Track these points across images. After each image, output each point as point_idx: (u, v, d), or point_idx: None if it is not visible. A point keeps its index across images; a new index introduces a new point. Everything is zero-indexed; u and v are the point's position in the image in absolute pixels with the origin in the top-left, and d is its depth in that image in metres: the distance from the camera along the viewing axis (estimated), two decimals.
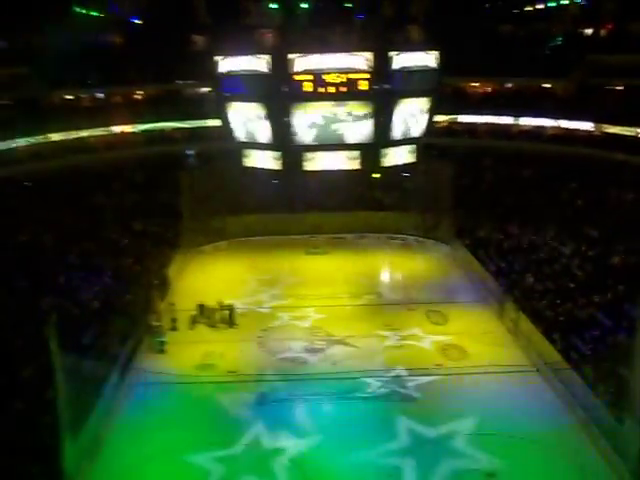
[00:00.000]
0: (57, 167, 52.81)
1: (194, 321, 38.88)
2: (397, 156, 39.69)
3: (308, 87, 35.98)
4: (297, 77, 35.81)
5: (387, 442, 27.43)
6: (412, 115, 38.52)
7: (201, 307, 39.28)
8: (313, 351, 35.72)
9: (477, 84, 65.28)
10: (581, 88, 57.82)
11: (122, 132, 60.51)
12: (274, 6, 49.40)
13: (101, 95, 63.11)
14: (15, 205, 47.23)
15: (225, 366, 33.81)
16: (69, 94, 61.27)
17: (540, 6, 70.36)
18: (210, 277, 47.00)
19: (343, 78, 35.96)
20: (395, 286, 47.25)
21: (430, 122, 40.01)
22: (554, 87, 61.15)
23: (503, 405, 29.62)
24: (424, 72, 37.57)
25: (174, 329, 37.95)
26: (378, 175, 40.66)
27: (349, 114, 36.75)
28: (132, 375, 32.27)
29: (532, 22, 68.47)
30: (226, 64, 37.66)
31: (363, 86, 36.14)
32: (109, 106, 62.30)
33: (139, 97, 64.35)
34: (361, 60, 35.94)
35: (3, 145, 51.47)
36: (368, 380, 32.20)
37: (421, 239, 53.40)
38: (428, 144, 42.62)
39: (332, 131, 37.12)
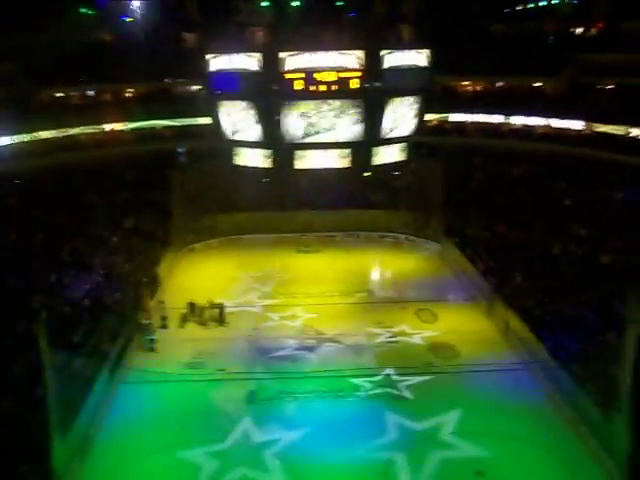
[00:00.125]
0: (47, 165, 52.63)
1: (184, 319, 38.90)
2: (388, 154, 39.69)
3: (299, 85, 35.94)
4: (288, 75, 35.79)
5: (377, 438, 27.60)
6: (403, 114, 38.51)
7: (191, 305, 39.27)
8: (303, 349, 35.76)
9: (468, 83, 65.39)
10: (572, 87, 58.02)
11: (112, 130, 60.40)
12: (265, 4, 49.39)
13: (91, 93, 62.98)
14: (5, 203, 47.09)
15: (215, 364, 33.81)
16: (59, 92, 61.13)
17: (531, 5, 70.57)
18: (200, 275, 46.98)
19: (334, 77, 35.95)
20: (385, 284, 47.31)
21: (421, 121, 40.01)
22: (545, 86, 61.36)
23: (492, 403, 29.73)
24: (415, 71, 37.56)
25: (164, 327, 37.96)
26: (369, 173, 40.61)
27: (339, 112, 36.74)
28: (122, 373, 32.25)
29: (523, 21, 68.69)
30: (217, 62, 37.59)
31: (354, 85, 36.12)
32: (99, 104, 62.21)
33: (129, 95, 64.26)
34: (352, 58, 35.92)
35: None
36: (358, 378, 32.24)
37: (411, 237, 53.39)
38: (419, 143, 42.62)
39: (322, 129, 37.10)
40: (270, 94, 36.42)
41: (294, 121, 36.82)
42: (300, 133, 37.19)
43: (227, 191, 52.72)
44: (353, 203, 54.60)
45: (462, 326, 37.85)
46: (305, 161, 38.42)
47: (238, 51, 36.94)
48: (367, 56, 35.96)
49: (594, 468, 25.05)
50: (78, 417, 26.25)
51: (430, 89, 40.62)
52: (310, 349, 35.73)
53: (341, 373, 32.66)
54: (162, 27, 63.48)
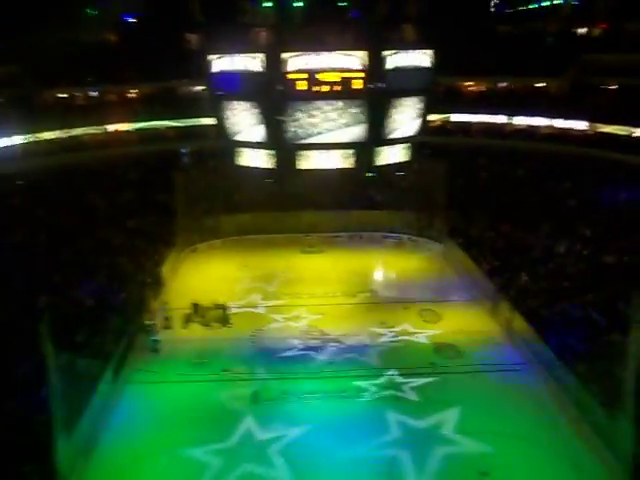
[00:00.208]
0: (50, 165, 52.77)
1: (188, 320, 38.87)
2: (391, 155, 39.71)
3: (302, 86, 35.98)
4: (291, 76, 35.81)
5: (380, 437, 27.65)
6: (406, 114, 38.51)
7: (195, 306, 39.25)
8: (307, 349, 35.70)
9: (471, 83, 65.40)
10: (575, 87, 58.05)
11: (116, 130, 60.50)
12: (268, 4, 49.34)
13: (95, 93, 63.07)
14: (8, 203, 47.17)
15: (219, 365, 33.79)
16: (63, 92, 61.23)
17: (534, 5, 70.54)
18: (204, 276, 46.97)
19: (337, 77, 35.97)
20: (389, 285, 47.29)
21: (424, 121, 40.04)
22: (548, 86, 61.40)
23: (496, 403, 29.68)
24: (418, 71, 37.58)
25: (168, 328, 37.94)
26: (372, 174, 40.61)
27: (342, 113, 36.74)
28: (126, 374, 32.24)
29: (526, 21, 68.67)
30: (220, 63, 37.63)
31: (357, 85, 36.15)
32: (103, 104, 62.41)
33: (133, 95, 64.36)
34: (355, 59, 35.95)
35: None
36: (362, 378, 32.20)
37: (414, 238, 53.36)
38: (422, 143, 42.65)
39: (325, 130, 37.11)
40: (273, 94, 36.44)
41: (297, 122, 36.82)
42: (303, 134, 37.21)
43: (230, 191, 52.84)
44: (356, 203, 54.58)
45: (466, 326, 37.79)
46: (308, 162, 38.44)
47: (241, 52, 37.00)
48: (370, 56, 35.97)
49: (598, 467, 24.98)
50: (82, 417, 26.22)
51: (433, 89, 40.65)
52: (314, 349, 35.65)
53: (345, 374, 32.71)
54: (166, 28, 63.42)
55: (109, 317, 34.75)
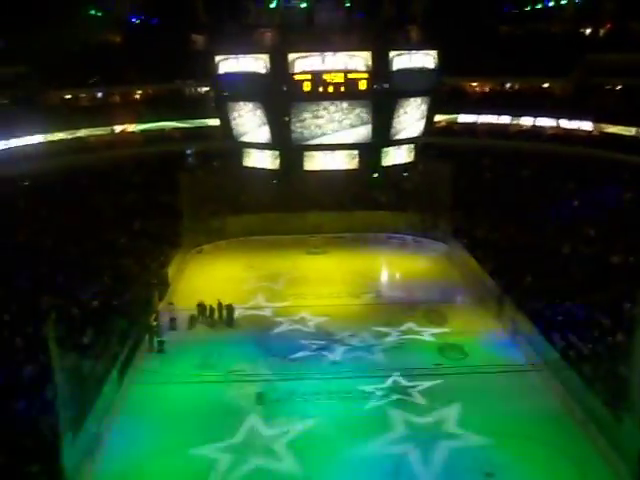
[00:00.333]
0: (55, 166, 52.84)
1: (193, 321, 38.92)
2: (396, 156, 39.68)
3: (307, 87, 36.00)
4: (296, 77, 35.82)
5: (385, 434, 27.84)
6: (411, 115, 38.50)
7: (201, 307, 39.29)
8: (313, 350, 35.71)
9: (476, 84, 65.37)
10: (580, 88, 57.96)
11: (121, 132, 60.57)
12: (273, 5, 49.35)
13: (100, 94, 63.16)
14: (13, 205, 47.28)
15: (224, 366, 33.85)
16: (68, 93, 61.32)
17: (539, 6, 70.44)
18: (209, 277, 47.03)
19: (342, 78, 35.97)
20: (394, 285, 47.34)
21: (429, 122, 40.00)
22: (553, 87, 61.35)
23: (502, 404, 29.61)
24: (423, 72, 37.55)
25: (173, 329, 38.02)
26: (377, 175, 40.60)
27: (348, 114, 36.75)
28: (131, 374, 32.30)
29: (531, 22, 68.57)
30: (225, 63, 37.66)
31: (362, 86, 36.14)
32: (108, 105, 62.47)
33: (138, 96, 64.43)
34: (360, 60, 35.96)
35: (1, 144, 51.54)
36: (368, 379, 32.23)
37: (419, 238, 53.38)
38: (427, 144, 42.61)
39: (331, 131, 37.11)
40: (278, 95, 36.46)
41: (302, 122, 36.83)
42: (308, 135, 37.22)
43: (236, 192, 52.90)
44: (361, 204, 54.60)
45: (471, 327, 37.87)
46: (314, 162, 38.44)
47: (246, 52, 37.00)
48: (375, 57, 35.97)
49: (604, 468, 24.94)
50: (88, 418, 26.27)
51: (438, 90, 40.63)
52: (320, 350, 35.68)
53: (350, 374, 32.72)
54: (171, 29, 63.51)
55: (114, 318, 34.81)
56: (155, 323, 37.04)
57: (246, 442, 27.43)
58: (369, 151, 38.27)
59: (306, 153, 38.11)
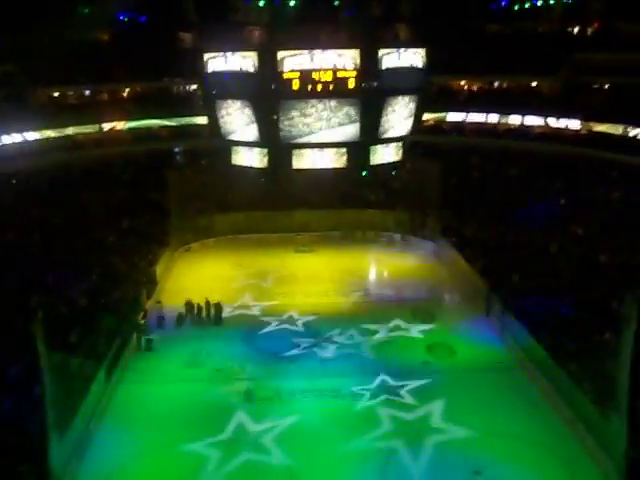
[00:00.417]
0: (43, 164, 52.65)
1: (181, 319, 38.84)
2: (384, 154, 39.82)
3: (296, 85, 36.01)
4: (285, 75, 35.82)
5: (373, 431, 27.97)
6: (399, 113, 38.55)
7: (188, 305, 39.23)
8: (300, 348, 35.72)
9: (464, 82, 65.45)
10: (568, 86, 58.13)
11: (109, 129, 60.37)
12: (262, 3, 49.31)
13: (88, 92, 62.92)
14: (1, 203, 47.06)
15: (212, 364, 33.82)
16: (56, 91, 61.09)
17: (527, 5, 70.54)
18: (197, 275, 46.97)
19: (331, 76, 35.99)
20: (382, 284, 47.43)
21: (417, 120, 40.12)
22: (541, 85, 61.50)
23: (489, 403, 29.69)
24: (412, 70, 37.65)
25: (161, 327, 37.94)
26: (365, 173, 40.64)
27: (336, 112, 36.75)
28: (119, 373, 32.20)
29: (519, 20, 68.68)
30: (213, 61, 37.62)
31: (351, 84, 36.23)
32: (96, 103, 62.20)
33: (126, 94, 64.21)
34: (348, 58, 35.98)
35: None
36: (355, 377, 32.24)
37: (408, 237, 53.39)
38: (415, 142, 42.69)
39: (319, 129, 37.12)
40: (267, 93, 36.44)
41: (291, 120, 36.83)
42: (296, 133, 37.21)
43: (224, 190, 52.79)
44: (350, 203, 54.57)
45: (459, 325, 37.95)
46: (302, 161, 38.52)
47: (234, 50, 36.98)
48: (363, 55, 36.02)
49: (592, 467, 25.02)
50: (75, 417, 26.17)
51: (426, 89, 40.70)
52: (308, 348, 35.68)
53: (339, 373, 32.72)
54: (159, 27, 63.33)
55: (102, 317, 34.68)
56: (143, 321, 36.92)
57: (234, 438, 27.46)
58: (357, 149, 38.33)
59: (294, 151, 38.16)
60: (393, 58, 36.74)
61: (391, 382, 31.72)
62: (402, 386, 31.36)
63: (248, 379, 32.20)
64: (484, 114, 61.09)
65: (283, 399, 30.51)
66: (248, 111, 37.34)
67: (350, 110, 36.68)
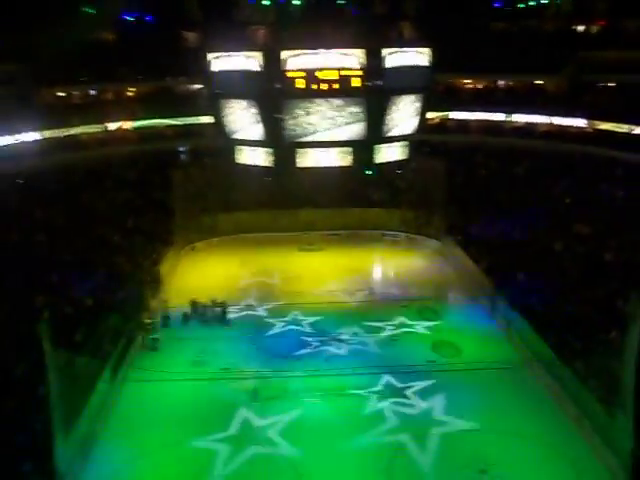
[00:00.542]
0: (48, 164, 52.68)
1: (186, 318, 38.86)
2: (389, 153, 39.70)
3: (300, 84, 35.97)
4: (289, 74, 35.78)
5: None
6: (404, 112, 38.49)
7: (194, 304, 39.26)
8: (306, 347, 35.71)
9: (469, 81, 65.34)
10: (573, 84, 58.00)
11: (114, 129, 60.38)
12: (266, 2, 49.32)
13: (93, 92, 62.95)
14: (6, 203, 47.10)
15: (217, 363, 33.83)
16: (61, 91, 61.13)
17: (532, 2, 70.43)
18: (202, 274, 47.00)
19: (336, 75, 35.94)
20: (387, 283, 47.46)
21: (422, 119, 40.02)
22: (546, 84, 61.34)
23: (495, 401, 29.71)
24: (416, 69, 37.57)
25: (166, 326, 37.96)
26: (370, 172, 40.59)
27: (341, 111, 36.72)
28: (124, 372, 32.24)
29: (524, 18, 68.57)
30: (218, 61, 37.59)
31: (356, 83, 36.15)
32: (101, 103, 62.20)
33: (131, 94, 64.22)
34: (353, 57, 35.94)
35: None
36: (361, 375, 32.26)
37: (413, 236, 53.35)
38: (420, 141, 42.60)
39: (324, 128, 37.09)
40: (271, 93, 36.41)
41: (295, 120, 36.80)
42: (301, 132, 37.19)
43: (229, 190, 52.82)
44: (355, 202, 54.54)
45: (464, 324, 37.91)
46: (307, 159, 38.45)
47: (239, 50, 36.94)
48: (368, 54, 35.96)
49: (598, 465, 24.99)
50: (81, 417, 26.19)
51: (431, 87, 40.60)
52: (313, 347, 35.70)
53: (344, 371, 32.71)
54: (163, 26, 63.38)
55: (108, 316, 34.70)
56: (148, 321, 36.97)
57: (241, 436, 27.49)
58: (362, 148, 38.27)
59: (299, 150, 38.10)
60: (398, 57, 36.67)
61: (396, 381, 31.71)
62: (407, 384, 31.37)
63: (254, 378, 32.22)
64: (489, 113, 60.95)
65: (289, 397, 30.51)
66: (253, 110, 37.31)
67: (355, 109, 36.63)
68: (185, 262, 49.48)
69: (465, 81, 65.44)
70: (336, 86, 36.03)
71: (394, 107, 37.74)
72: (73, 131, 57.89)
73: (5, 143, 52.09)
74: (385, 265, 50.75)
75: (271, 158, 38.67)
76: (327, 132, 37.36)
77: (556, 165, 53.19)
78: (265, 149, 38.64)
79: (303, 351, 35.38)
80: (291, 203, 53.29)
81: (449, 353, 34.69)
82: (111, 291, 38.12)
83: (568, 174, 51.42)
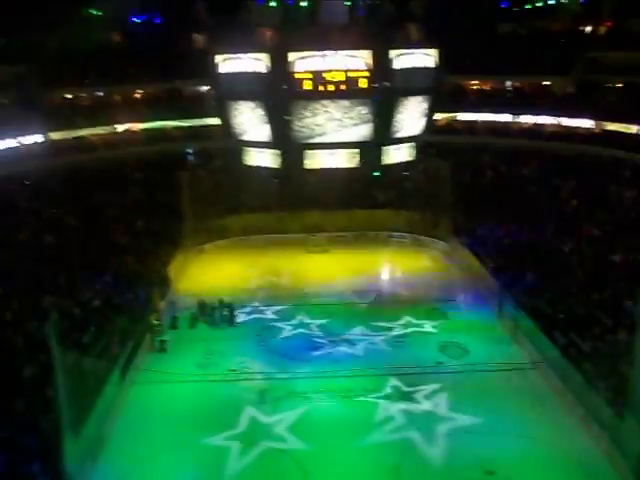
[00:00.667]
0: (56, 166, 52.86)
1: (195, 320, 38.92)
2: (397, 154, 39.77)
3: (308, 85, 36.03)
4: (297, 75, 35.84)
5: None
6: (411, 113, 38.52)
7: (202, 306, 39.31)
8: (314, 349, 35.72)
9: (476, 82, 65.34)
10: (581, 85, 57.97)
11: (122, 131, 60.56)
12: (274, 4, 49.35)
13: (101, 94, 63.14)
14: (15, 204, 47.28)
15: (226, 364, 33.85)
16: (69, 93, 61.34)
17: (540, 4, 70.46)
18: (211, 276, 47.06)
19: (343, 76, 35.99)
20: (395, 284, 47.44)
21: (429, 120, 40.04)
22: (554, 85, 61.29)
23: (503, 403, 29.61)
24: (424, 70, 37.61)
25: (175, 328, 38.01)
26: (378, 173, 40.62)
27: (348, 112, 36.75)
28: (133, 374, 32.29)
29: (532, 20, 68.60)
30: (226, 63, 37.69)
31: (363, 84, 36.19)
32: (109, 105, 62.39)
33: (139, 96, 64.40)
34: (361, 59, 35.98)
35: (3, 144, 51.59)
36: (369, 377, 32.24)
37: (420, 237, 53.30)
38: (428, 142, 42.61)
39: (331, 129, 37.13)
40: (279, 94, 36.47)
41: (303, 121, 36.85)
42: (309, 133, 37.24)
43: (236, 191, 52.86)
44: (362, 203, 54.53)
45: (472, 325, 37.85)
46: (314, 161, 38.53)
47: (247, 51, 37.04)
48: (375, 56, 36.00)
49: (606, 467, 24.89)
50: (89, 418, 26.24)
51: (439, 88, 40.61)
52: (321, 349, 35.70)
53: (352, 373, 32.70)
54: (171, 28, 63.52)
55: (116, 317, 34.77)
56: (156, 322, 37.01)
57: (249, 437, 27.51)
58: (370, 150, 38.29)
59: (307, 152, 38.14)
60: (405, 58, 36.72)
61: (403, 382, 31.63)
62: (415, 385, 31.31)
63: (261, 379, 32.27)
64: (497, 114, 60.92)
65: (297, 399, 30.47)
66: (260, 112, 37.39)
67: (362, 110, 36.68)
68: (193, 263, 49.53)
69: (472, 82, 65.44)
70: (343, 87, 36.07)
71: (401, 108, 37.79)
72: (81, 133, 58.08)
73: (14, 144, 52.29)
74: (392, 266, 50.73)
75: (278, 160, 38.75)
76: (334, 133, 37.42)
77: (564, 166, 53.13)
78: (272, 151, 38.73)
79: (311, 351, 35.38)
80: (298, 205, 53.29)
81: (456, 354, 34.66)
82: (119, 292, 38.20)
83: (576, 175, 51.33)
